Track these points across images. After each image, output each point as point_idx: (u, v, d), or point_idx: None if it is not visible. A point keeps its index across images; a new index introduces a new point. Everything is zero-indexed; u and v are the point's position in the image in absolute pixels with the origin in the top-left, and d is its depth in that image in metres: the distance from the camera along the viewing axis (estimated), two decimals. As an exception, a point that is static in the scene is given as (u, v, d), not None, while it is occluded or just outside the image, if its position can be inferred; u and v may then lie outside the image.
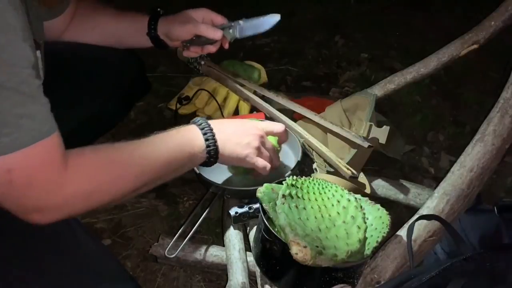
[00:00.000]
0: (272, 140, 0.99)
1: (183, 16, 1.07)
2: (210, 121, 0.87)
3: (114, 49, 1.11)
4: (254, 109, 1.33)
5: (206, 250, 1.05)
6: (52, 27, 0.98)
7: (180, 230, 0.99)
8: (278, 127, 0.99)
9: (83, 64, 1.08)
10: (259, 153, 0.92)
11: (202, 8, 1.09)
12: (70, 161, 0.67)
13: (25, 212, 0.66)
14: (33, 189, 0.65)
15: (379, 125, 1.09)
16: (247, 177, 1.03)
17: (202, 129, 0.84)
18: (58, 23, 1.01)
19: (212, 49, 1.09)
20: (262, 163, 0.93)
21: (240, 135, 0.90)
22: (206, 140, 0.83)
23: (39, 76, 0.65)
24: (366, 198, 0.90)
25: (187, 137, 0.83)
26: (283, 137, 1.01)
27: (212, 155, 0.85)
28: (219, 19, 1.09)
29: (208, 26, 1.06)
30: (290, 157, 1.13)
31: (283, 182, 0.84)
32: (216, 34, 1.05)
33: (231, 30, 1.10)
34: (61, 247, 0.74)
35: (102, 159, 0.72)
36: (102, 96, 1.11)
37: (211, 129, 0.85)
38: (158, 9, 1.07)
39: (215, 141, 0.84)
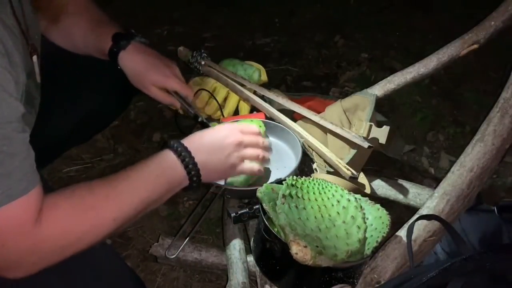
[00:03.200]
0: (256, 123, 0.99)
1: (144, 74, 1.03)
2: (185, 142, 0.82)
3: None
4: (254, 109, 1.33)
5: (206, 250, 1.05)
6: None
7: (180, 230, 0.99)
8: (251, 128, 0.94)
9: (80, 61, 1.07)
10: (241, 159, 0.88)
11: (172, 78, 1.06)
12: (44, 215, 0.65)
13: None
14: (6, 249, 0.63)
15: (379, 125, 1.09)
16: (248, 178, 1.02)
17: (179, 155, 0.79)
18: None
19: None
20: (249, 167, 0.90)
21: (217, 149, 0.85)
22: (186, 166, 0.79)
23: (25, 130, 0.64)
24: (366, 198, 0.90)
25: (165, 168, 0.79)
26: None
27: (195, 180, 0.81)
28: (184, 92, 1.10)
29: (165, 95, 1.08)
30: (290, 157, 1.13)
31: (283, 182, 0.84)
32: (175, 104, 1.10)
33: (192, 112, 1.12)
34: None
35: (77, 209, 0.68)
36: (100, 91, 1.11)
37: (189, 154, 0.80)
38: (120, 42, 1.01)
39: (196, 166, 0.80)
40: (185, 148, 0.80)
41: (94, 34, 1.03)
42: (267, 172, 1.08)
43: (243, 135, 0.89)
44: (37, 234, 0.64)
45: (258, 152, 0.92)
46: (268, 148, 0.97)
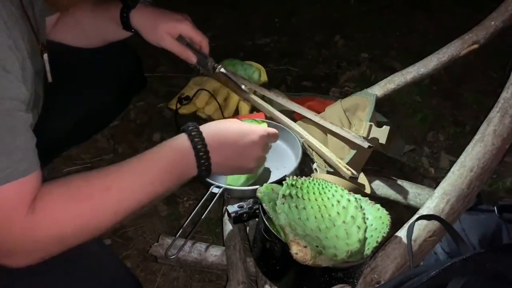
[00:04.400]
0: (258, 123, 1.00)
1: (156, 23, 1.00)
2: (207, 136, 0.76)
3: (110, 44, 1.10)
4: (254, 109, 1.33)
5: (206, 250, 1.05)
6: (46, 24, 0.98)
7: (180, 230, 0.99)
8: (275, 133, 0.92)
9: (80, 60, 1.07)
10: (256, 164, 0.87)
11: (185, 21, 1.01)
12: (38, 204, 0.62)
13: None
14: (1, 234, 0.61)
15: (379, 125, 1.09)
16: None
17: (195, 147, 0.75)
18: (50, 20, 0.99)
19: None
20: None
21: (237, 159, 0.82)
22: (199, 167, 0.75)
23: (28, 112, 0.62)
24: (366, 198, 0.90)
25: (177, 165, 0.74)
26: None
27: (205, 174, 0.78)
28: (198, 38, 1.03)
29: (180, 47, 1.01)
30: (290, 157, 1.13)
31: (283, 182, 0.84)
32: (190, 59, 1.02)
33: (209, 63, 1.04)
34: None
35: (75, 198, 0.65)
36: (100, 91, 1.11)
37: (207, 153, 0.76)
38: (128, 2, 1.00)
39: (210, 166, 0.76)
40: (203, 142, 0.75)
41: (103, 8, 1.03)
42: (267, 172, 1.08)
43: (266, 144, 0.87)
44: (30, 221, 0.61)
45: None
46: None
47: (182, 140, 0.75)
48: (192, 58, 1.02)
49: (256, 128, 0.86)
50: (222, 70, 1.05)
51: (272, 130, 0.90)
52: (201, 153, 0.75)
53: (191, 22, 1.03)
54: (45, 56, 0.78)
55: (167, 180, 0.73)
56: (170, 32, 1.00)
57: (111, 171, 0.69)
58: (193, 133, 0.75)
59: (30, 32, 0.72)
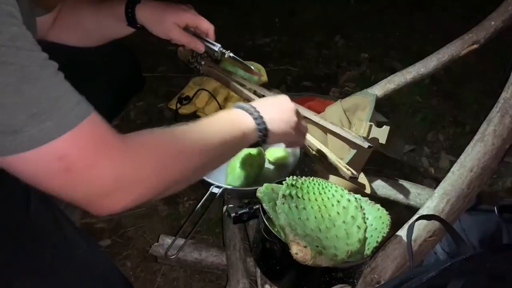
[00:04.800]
0: None
1: (163, 15, 1.01)
2: (252, 103, 0.86)
3: (106, 45, 1.09)
4: (254, 109, 1.33)
5: (206, 250, 1.05)
6: (40, 24, 0.97)
7: (180, 231, 0.99)
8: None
9: (76, 61, 1.06)
10: (299, 127, 0.92)
11: (190, 10, 1.03)
12: (129, 138, 0.63)
13: (96, 198, 0.60)
14: (98, 170, 0.59)
15: (379, 125, 1.09)
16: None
17: (247, 110, 0.83)
18: (46, 20, 0.98)
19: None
20: (301, 138, 0.95)
21: (280, 111, 0.89)
22: (255, 118, 0.83)
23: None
24: (366, 198, 0.90)
25: (237, 118, 0.82)
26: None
27: (264, 132, 0.84)
28: (204, 25, 1.03)
29: (188, 36, 1.02)
30: (290, 157, 1.14)
31: (283, 182, 0.84)
32: (198, 47, 1.03)
33: (216, 49, 1.05)
34: (53, 248, 0.73)
35: (160, 136, 0.68)
36: (97, 93, 1.09)
37: (255, 109, 0.84)
38: (130, 7, 1.00)
39: (263, 120, 0.84)
40: (253, 106, 0.84)
41: (105, 6, 1.03)
42: (268, 172, 1.08)
43: (297, 110, 0.94)
44: (124, 150, 0.61)
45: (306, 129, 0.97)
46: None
47: (232, 110, 0.85)
48: (200, 47, 1.04)
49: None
50: (231, 54, 1.06)
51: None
52: (249, 108, 0.84)
53: (195, 11, 1.04)
54: None
55: (233, 129, 0.79)
56: (177, 22, 1.01)
57: (185, 124, 0.73)
58: (237, 104, 0.85)
59: None
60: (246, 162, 1.07)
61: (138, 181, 0.63)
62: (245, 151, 1.08)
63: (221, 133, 0.77)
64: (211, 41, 1.05)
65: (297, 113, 0.92)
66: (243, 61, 1.08)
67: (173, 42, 1.04)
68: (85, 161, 0.58)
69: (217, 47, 1.05)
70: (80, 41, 1.06)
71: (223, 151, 0.77)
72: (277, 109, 0.89)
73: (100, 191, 0.60)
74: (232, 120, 0.81)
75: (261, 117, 0.83)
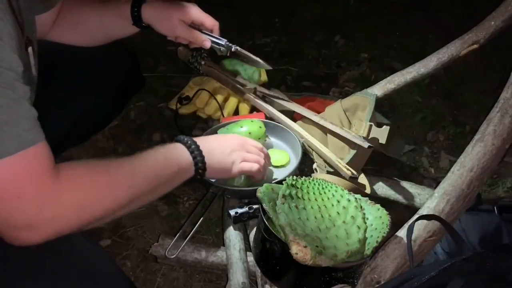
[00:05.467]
0: (256, 124, 1.04)
1: (169, 12, 1.02)
2: (193, 138, 0.87)
3: (107, 45, 1.09)
4: (254, 109, 1.33)
5: (206, 250, 1.05)
6: (40, 23, 0.97)
7: (180, 231, 0.99)
8: (254, 142, 1.00)
9: (76, 61, 1.07)
10: (243, 159, 0.93)
11: (195, 7, 1.04)
12: (62, 172, 0.65)
13: (14, 229, 0.62)
14: (24, 202, 0.60)
15: (379, 125, 1.09)
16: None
17: (186, 143, 0.85)
18: (46, 19, 0.99)
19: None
20: (248, 166, 0.94)
21: (222, 145, 0.91)
22: (192, 152, 0.84)
23: (27, 83, 0.63)
24: (366, 198, 0.90)
25: (174, 153, 0.83)
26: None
27: (200, 169, 0.85)
28: (209, 21, 1.05)
29: (195, 33, 1.04)
30: (290, 157, 1.14)
31: (283, 182, 0.84)
32: (204, 43, 1.04)
33: (223, 43, 1.06)
34: (55, 248, 0.74)
35: (93, 171, 0.70)
36: (96, 92, 1.10)
37: (195, 143, 0.85)
38: (136, 6, 1.02)
39: (201, 154, 0.85)
40: (192, 140, 0.86)
41: (110, 6, 1.04)
42: (268, 172, 1.08)
43: (247, 143, 0.96)
44: (55, 185, 0.63)
45: (259, 158, 0.97)
46: (268, 158, 1.02)
47: (174, 142, 0.86)
48: (206, 43, 1.05)
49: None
50: (238, 48, 1.07)
51: (251, 140, 1.00)
52: (189, 142, 0.85)
53: (200, 9, 1.06)
54: (30, 49, 0.79)
55: (168, 165, 0.81)
56: (183, 19, 1.02)
57: (121, 158, 0.76)
58: (181, 136, 0.86)
59: (15, 23, 0.72)
60: None
61: (59, 218, 0.64)
62: None
63: (154, 168, 0.78)
64: (217, 36, 1.06)
65: (244, 145, 0.94)
66: (249, 54, 1.09)
67: (179, 39, 1.05)
68: (14, 190, 0.59)
69: (223, 41, 1.06)
70: (83, 41, 1.07)
71: (155, 186, 0.78)
72: (220, 144, 0.91)
73: (23, 223, 0.61)
74: (167, 154, 0.82)
75: (200, 152, 0.84)
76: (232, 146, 0.92)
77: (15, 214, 0.61)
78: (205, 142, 0.87)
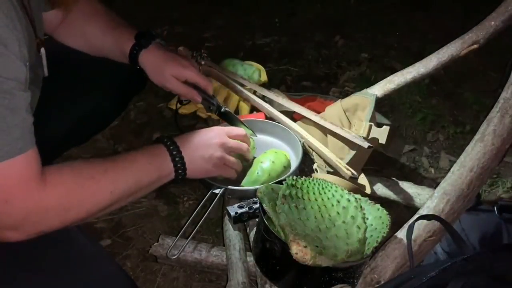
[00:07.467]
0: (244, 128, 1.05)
1: (164, 67, 1.04)
2: (175, 138, 0.89)
3: None
4: (254, 109, 1.33)
5: (206, 250, 1.05)
6: (49, 18, 0.98)
7: (181, 231, 0.99)
8: (238, 131, 1.01)
9: (77, 62, 1.08)
10: (223, 162, 0.95)
11: (190, 67, 1.06)
12: (48, 177, 0.68)
13: (0, 229, 0.66)
14: (11, 206, 0.64)
15: (379, 125, 1.09)
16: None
17: (169, 148, 0.87)
18: (52, 16, 1.01)
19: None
20: (226, 172, 0.97)
21: (203, 147, 0.92)
22: (173, 159, 0.86)
23: (27, 90, 0.65)
24: (366, 198, 0.90)
25: (157, 160, 0.86)
26: (245, 140, 1.01)
27: (180, 173, 0.88)
28: (203, 83, 1.08)
29: (185, 88, 1.07)
30: (290, 157, 1.13)
31: (283, 182, 0.84)
32: (195, 98, 1.08)
33: (212, 105, 1.10)
34: (57, 248, 0.74)
35: (79, 177, 0.73)
36: (98, 93, 1.11)
37: (178, 148, 0.87)
38: (142, 41, 1.04)
39: (182, 159, 0.87)
40: (174, 143, 0.87)
41: (115, 34, 1.06)
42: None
43: (228, 139, 0.96)
44: (42, 191, 0.66)
45: (237, 162, 0.98)
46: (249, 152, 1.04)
47: (157, 144, 0.88)
48: (197, 98, 1.09)
49: (219, 127, 1.02)
50: (227, 109, 1.13)
51: (233, 128, 1.02)
52: (171, 147, 0.87)
53: (196, 67, 1.10)
54: (42, 50, 0.80)
55: (149, 170, 0.84)
56: (176, 77, 1.06)
57: (108, 159, 0.80)
58: (164, 138, 0.89)
59: (28, 24, 0.72)
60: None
61: (44, 220, 0.68)
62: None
63: (138, 175, 0.82)
64: (209, 94, 1.10)
65: (225, 146, 0.94)
66: (238, 118, 1.13)
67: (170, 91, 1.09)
68: (2, 195, 0.63)
69: (214, 101, 1.11)
70: (82, 49, 1.10)
71: (136, 191, 0.82)
72: (201, 147, 0.92)
73: (9, 225, 0.66)
74: (151, 161, 0.85)
75: (181, 158, 0.87)
76: (213, 148, 0.93)
77: (2, 217, 0.65)
78: (187, 146, 0.89)
